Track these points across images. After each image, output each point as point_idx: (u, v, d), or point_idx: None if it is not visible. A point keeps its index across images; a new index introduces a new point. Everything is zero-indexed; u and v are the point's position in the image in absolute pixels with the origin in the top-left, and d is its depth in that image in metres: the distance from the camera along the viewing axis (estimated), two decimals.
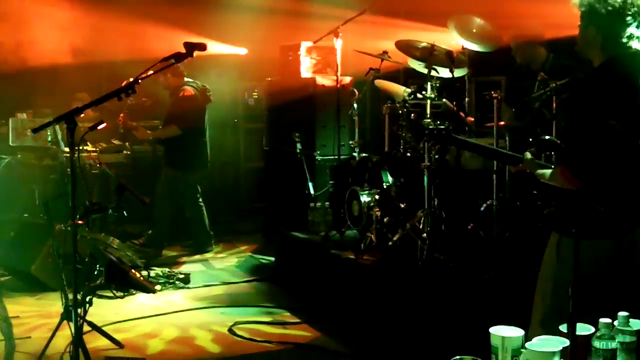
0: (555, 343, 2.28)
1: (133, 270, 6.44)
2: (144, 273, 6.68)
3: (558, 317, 2.85)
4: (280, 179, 8.20)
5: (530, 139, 5.00)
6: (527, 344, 2.28)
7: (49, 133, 7.60)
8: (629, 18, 2.94)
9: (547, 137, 3.65)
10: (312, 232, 6.63)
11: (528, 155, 3.07)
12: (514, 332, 2.33)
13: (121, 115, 7.57)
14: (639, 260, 2.94)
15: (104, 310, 5.91)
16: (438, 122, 5.55)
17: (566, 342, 2.25)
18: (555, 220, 3.15)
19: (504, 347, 2.30)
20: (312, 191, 7.17)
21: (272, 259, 7.36)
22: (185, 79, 7.76)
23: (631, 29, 2.95)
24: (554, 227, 3.11)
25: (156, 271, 6.91)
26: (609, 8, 2.94)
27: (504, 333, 2.32)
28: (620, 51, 2.98)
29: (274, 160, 8.43)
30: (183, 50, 3.71)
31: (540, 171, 3.00)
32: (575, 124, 3.02)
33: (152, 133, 7.89)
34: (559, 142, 3.09)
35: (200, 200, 7.99)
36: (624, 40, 2.96)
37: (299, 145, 7.44)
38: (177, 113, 7.65)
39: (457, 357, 2.27)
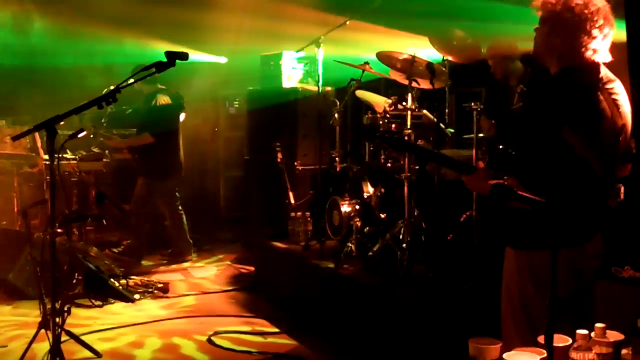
0: (533, 355, 2.30)
1: (112, 279, 6.41)
2: (123, 282, 6.64)
3: (529, 329, 2.88)
4: (260, 188, 8.20)
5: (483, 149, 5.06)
6: (505, 355, 2.30)
7: (27, 140, 7.55)
8: (595, 31, 2.89)
9: (500, 147, 3.61)
10: (292, 241, 6.62)
11: (481, 164, 3.04)
12: (492, 343, 2.35)
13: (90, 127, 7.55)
14: (585, 272, 2.94)
15: (83, 319, 5.87)
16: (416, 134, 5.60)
17: (544, 354, 2.27)
18: (508, 234, 3.14)
19: (482, 357, 2.32)
20: (292, 200, 7.17)
21: (252, 268, 7.35)
22: (159, 86, 7.74)
23: (596, 42, 2.90)
24: (507, 242, 3.11)
25: (135, 280, 6.88)
26: (576, 18, 2.88)
27: (482, 344, 2.34)
28: (579, 61, 2.93)
29: (254, 170, 8.43)
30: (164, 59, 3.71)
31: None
32: (529, 134, 2.97)
33: (125, 141, 7.87)
34: (511, 152, 3.06)
35: (180, 208, 7.97)
36: (588, 52, 2.91)
37: (279, 155, 7.45)
38: (150, 120, 7.63)
39: None
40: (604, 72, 2.94)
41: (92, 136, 7.79)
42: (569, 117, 2.78)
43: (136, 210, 7.75)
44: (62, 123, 3.82)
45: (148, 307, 6.36)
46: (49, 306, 4.10)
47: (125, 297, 6.39)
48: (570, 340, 2.35)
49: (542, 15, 3.01)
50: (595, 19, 2.88)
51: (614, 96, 2.91)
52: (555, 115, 2.80)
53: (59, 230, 4.00)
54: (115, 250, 7.64)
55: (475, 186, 3.05)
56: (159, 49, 8.29)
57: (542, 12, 3.01)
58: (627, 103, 2.97)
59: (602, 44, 2.92)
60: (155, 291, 6.71)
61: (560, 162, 2.78)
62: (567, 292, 2.28)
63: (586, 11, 2.88)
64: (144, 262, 7.86)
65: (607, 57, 2.95)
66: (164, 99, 7.67)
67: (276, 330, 5.75)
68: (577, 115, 2.80)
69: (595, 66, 2.93)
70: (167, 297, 6.67)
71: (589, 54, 2.91)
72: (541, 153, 2.82)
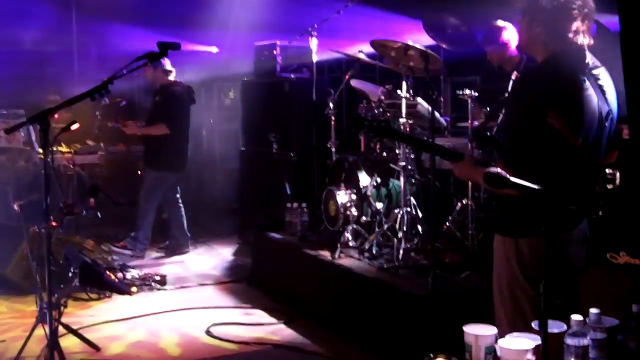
0: (528, 341, 2.30)
1: (108, 272, 6.40)
2: (120, 275, 6.64)
3: (520, 316, 2.88)
4: (256, 179, 8.19)
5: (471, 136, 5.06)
6: (499, 342, 2.30)
7: (22, 134, 7.54)
8: (574, 12, 2.86)
9: (487, 134, 3.61)
10: (289, 232, 6.62)
11: (469, 151, 3.03)
12: (488, 330, 2.35)
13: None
14: (572, 259, 2.94)
15: (81, 312, 5.87)
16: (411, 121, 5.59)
17: (538, 340, 2.27)
18: (496, 221, 3.13)
19: (478, 344, 2.32)
20: (288, 191, 7.16)
21: (249, 260, 7.35)
22: (171, 79, 7.75)
23: (576, 24, 2.88)
24: (495, 228, 3.10)
25: (132, 273, 6.87)
26: (554, 3, 2.87)
27: (477, 331, 2.34)
28: (564, 46, 2.91)
29: (250, 161, 8.42)
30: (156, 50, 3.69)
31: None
32: (515, 120, 2.96)
33: (141, 129, 7.81)
34: (498, 139, 3.05)
35: (180, 201, 7.97)
36: (570, 35, 2.88)
37: (275, 146, 7.43)
38: (166, 112, 7.64)
39: (431, 354, 2.29)
40: (590, 58, 2.93)
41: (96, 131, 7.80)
42: (554, 102, 2.77)
43: (144, 204, 7.78)
44: (56, 116, 3.80)
45: (145, 300, 6.36)
46: (45, 300, 4.09)
47: (122, 290, 6.39)
48: (565, 326, 2.35)
49: (522, 7, 3.01)
50: (574, 1, 2.86)
51: (599, 82, 2.90)
52: (541, 101, 2.79)
53: (54, 224, 3.98)
54: (118, 245, 7.64)
55: (463, 173, 3.05)
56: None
57: (521, 4, 3.01)
58: (613, 90, 2.97)
59: (583, 26, 2.89)
60: (153, 284, 6.71)
61: (546, 148, 2.77)
62: (555, 278, 2.28)
63: None
64: (146, 254, 7.86)
65: (589, 39, 2.93)
66: (178, 92, 7.69)
67: (274, 321, 5.76)
68: (563, 100, 2.80)
69: (580, 51, 2.91)
70: (164, 290, 6.67)
71: (570, 36, 2.88)
72: (528, 139, 2.81)
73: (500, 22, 5.74)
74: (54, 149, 6.92)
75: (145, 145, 7.97)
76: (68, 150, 7.83)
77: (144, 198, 7.75)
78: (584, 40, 2.91)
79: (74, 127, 4.56)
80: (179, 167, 7.90)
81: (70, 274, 5.68)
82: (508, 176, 2.23)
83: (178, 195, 7.95)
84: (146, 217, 7.76)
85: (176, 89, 7.72)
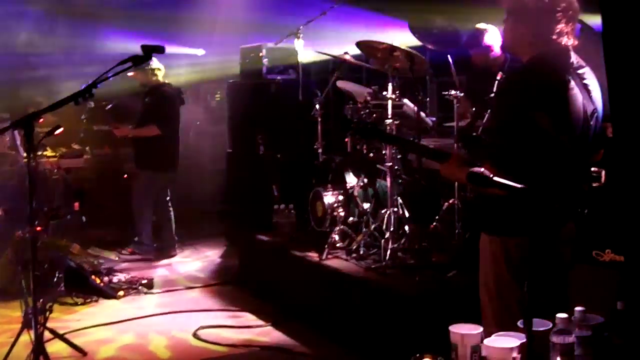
0: (513, 339, 2.30)
1: (93, 276, 6.37)
2: (106, 279, 6.61)
3: (507, 315, 2.88)
4: (243, 181, 8.16)
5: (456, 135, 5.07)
6: (485, 341, 2.30)
7: (7, 138, 7.49)
8: (559, 14, 2.88)
9: (473, 134, 3.62)
10: (276, 233, 6.61)
11: (456, 151, 3.03)
12: (473, 329, 2.35)
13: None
14: (563, 257, 2.95)
15: (68, 317, 5.84)
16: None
17: (524, 338, 2.27)
18: (482, 220, 3.13)
19: (464, 344, 2.32)
20: (275, 193, 7.14)
21: (236, 262, 7.33)
22: (161, 79, 7.74)
23: (561, 25, 2.89)
24: (482, 228, 3.11)
25: (119, 277, 6.84)
26: (539, 4, 2.88)
27: (463, 330, 2.34)
28: (549, 47, 2.92)
29: (237, 163, 8.39)
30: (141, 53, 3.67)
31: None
32: (501, 120, 2.97)
33: (132, 131, 7.77)
34: (484, 138, 3.05)
35: (170, 204, 7.94)
36: (554, 36, 2.90)
37: (261, 147, 7.42)
38: (157, 113, 7.64)
39: (418, 354, 2.28)
40: (575, 57, 2.95)
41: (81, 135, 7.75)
42: (540, 102, 2.78)
43: (139, 207, 7.77)
44: (41, 120, 3.78)
45: (133, 304, 6.33)
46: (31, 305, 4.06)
47: (108, 294, 6.36)
48: (551, 324, 2.36)
49: (507, 7, 3.02)
50: (559, 2, 2.88)
51: (585, 81, 2.92)
52: (527, 101, 2.80)
53: (38, 228, 3.95)
54: (126, 252, 7.66)
55: (449, 173, 3.04)
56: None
57: (506, 4, 3.02)
58: (598, 89, 2.98)
59: (567, 27, 2.91)
60: (140, 287, 6.68)
61: (533, 147, 2.78)
62: (542, 277, 2.28)
63: None
64: (128, 258, 7.82)
65: (574, 40, 2.94)
66: (169, 93, 7.69)
67: (262, 323, 5.74)
68: (549, 99, 2.81)
69: (565, 51, 2.93)
70: (151, 293, 6.64)
71: (555, 37, 2.90)
72: (514, 138, 2.81)
73: (482, 25, 5.75)
74: (40, 153, 6.89)
75: (136, 147, 7.94)
76: (54, 154, 7.78)
77: (138, 200, 7.73)
78: (569, 41, 2.93)
79: (58, 131, 4.54)
80: (171, 167, 7.90)
81: (55, 279, 5.65)
82: (491, 176, 2.23)
83: (168, 198, 7.93)
84: (144, 218, 7.75)
85: (166, 90, 7.73)
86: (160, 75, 7.76)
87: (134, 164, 8.05)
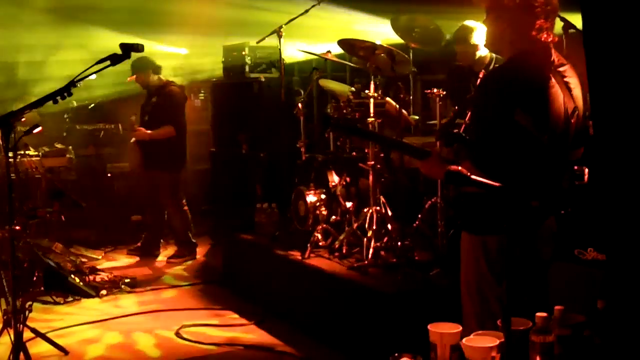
0: (493, 338, 2.30)
1: (72, 276, 6.33)
2: (89, 278, 6.57)
3: (488, 313, 2.88)
4: (227, 180, 8.15)
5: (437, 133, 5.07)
6: (464, 340, 2.30)
7: None
8: (537, 10, 2.89)
9: (454, 131, 3.61)
10: (259, 233, 6.60)
11: (437, 149, 3.04)
12: (452, 328, 2.35)
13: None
14: (542, 255, 2.96)
15: (51, 316, 5.80)
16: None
17: (502, 337, 2.27)
18: (462, 219, 3.14)
19: (443, 343, 2.31)
20: (258, 192, 7.12)
21: (220, 261, 7.31)
22: (162, 77, 7.70)
23: (540, 21, 2.90)
24: (463, 226, 3.11)
25: (102, 275, 6.80)
26: (517, 1, 2.89)
27: (442, 329, 2.33)
28: (530, 44, 2.93)
29: (220, 162, 8.38)
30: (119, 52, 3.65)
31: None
32: (482, 118, 2.98)
33: (150, 133, 7.56)
34: (465, 136, 3.05)
35: (163, 207, 7.90)
36: (533, 32, 2.91)
37: (245, 146, 7.40)
38: (169, 113, 7.59)
39: (396, 354, 2.27)
40: (556, 55, 2.95)
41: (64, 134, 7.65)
42: (521, 100, 2.78)
43: (151, 205, 7.74)
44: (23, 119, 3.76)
45: (116, 303, 6.30)
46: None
47: (87, 293, 6.31)
48: (531, 323, 2.36)
49: (486, 6, 3.03)
50: None
51: (565, 79, 2.93)
52: (507, 99, 2.80)
53: (17, 227, 3.93)
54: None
55: (429, 171, 3.03)
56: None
57: (485, 4, 3.03)
58: (579, 86, 2.99)
59: (546, 23, 2.92)
60: (123, 286, 6.64)
61: (514, 145, 2.78)
62: (522, 275, 2.28)
63: None
64: (111, 256, 7.78)
65: (553, 37, 2.95)
66: (178, 91, 7.66)
67: (245, 322, 5.73)
68: (529, 97, 2.81)
69: (546, 48, 2.94)
70: (134, 292, 6.61)
71: (535, 33, 2.91)
72: (495, 136, 2.82)
73: (470, 23, 5.75)
74: (22, 152, 6.84)
75: (153, 149, 7.65)
76: (36, 153, 7.71)
77: (169, 202, 7.71)
78: (548, 37, 2.93)
79: (36, 130, 4.51)
80: (183, 166, 7.88)
81: (35, 278, 5.60)
82: (468, 174, 2.22)
83: (184, 200, 7.89)
84: (179, 218, 7.75)
85: (173, 89, 7.65)
86: (161, 73, 7.70)
87: (155, 167, 7.74)
